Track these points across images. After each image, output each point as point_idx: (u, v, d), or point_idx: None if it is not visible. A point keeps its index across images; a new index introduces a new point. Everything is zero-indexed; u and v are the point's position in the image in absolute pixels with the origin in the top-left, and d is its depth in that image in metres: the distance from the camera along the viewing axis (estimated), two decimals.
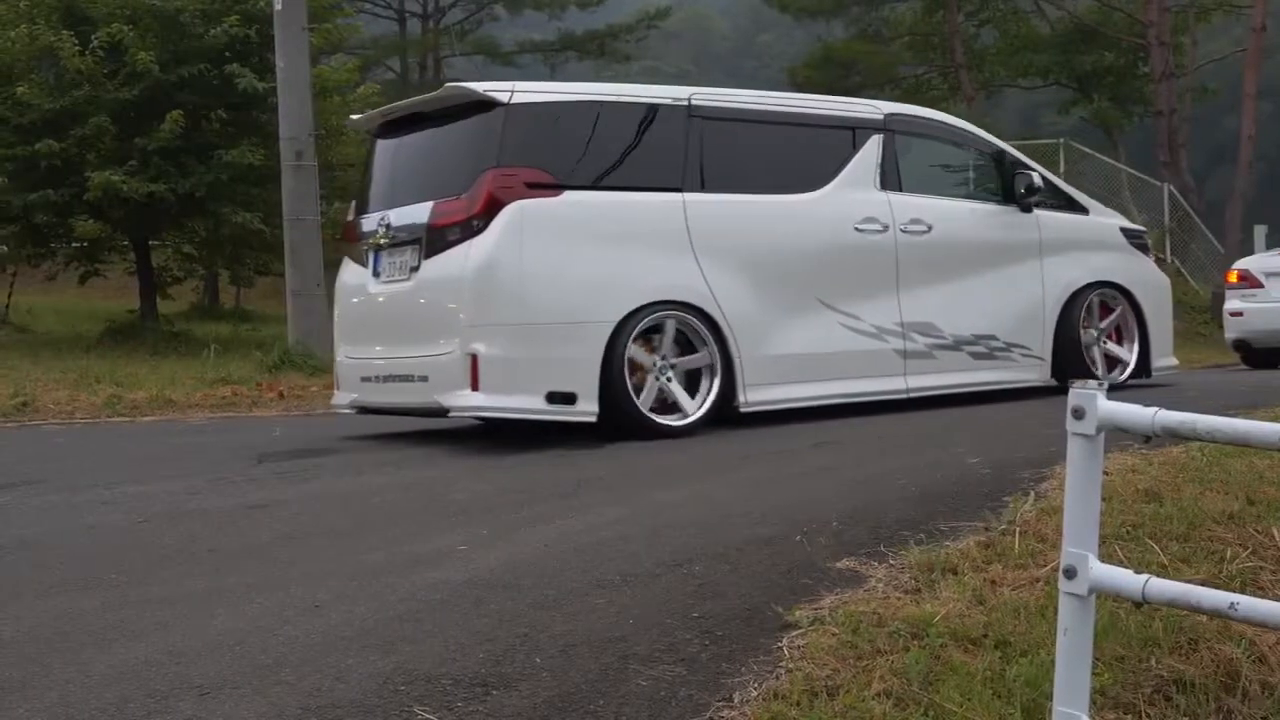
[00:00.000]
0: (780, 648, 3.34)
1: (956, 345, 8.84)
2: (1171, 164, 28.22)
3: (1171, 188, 27.84)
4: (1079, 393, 2.44)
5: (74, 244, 19.03)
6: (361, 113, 9.69)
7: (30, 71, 17.18)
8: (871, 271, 8.52)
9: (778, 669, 3.20)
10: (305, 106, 14.17)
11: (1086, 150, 29.04)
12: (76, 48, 16.70)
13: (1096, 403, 2.42)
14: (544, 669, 3.21)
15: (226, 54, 17.40)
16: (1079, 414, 2.44)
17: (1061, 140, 29.02)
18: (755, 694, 3.05)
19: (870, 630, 3.40)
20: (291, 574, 4.31)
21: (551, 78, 35.29)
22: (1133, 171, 28.84)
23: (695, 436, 7.54)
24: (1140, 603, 2.41)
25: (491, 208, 7.38)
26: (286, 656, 3.36)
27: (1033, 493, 4.99)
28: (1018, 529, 4.38)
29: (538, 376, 7.37)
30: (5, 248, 19.69)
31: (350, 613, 3.75)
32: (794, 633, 3.44)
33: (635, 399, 7.55)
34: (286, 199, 14.14)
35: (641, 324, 7.60)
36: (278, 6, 14.04)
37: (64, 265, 20.01)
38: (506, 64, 40.54)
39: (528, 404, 7.38)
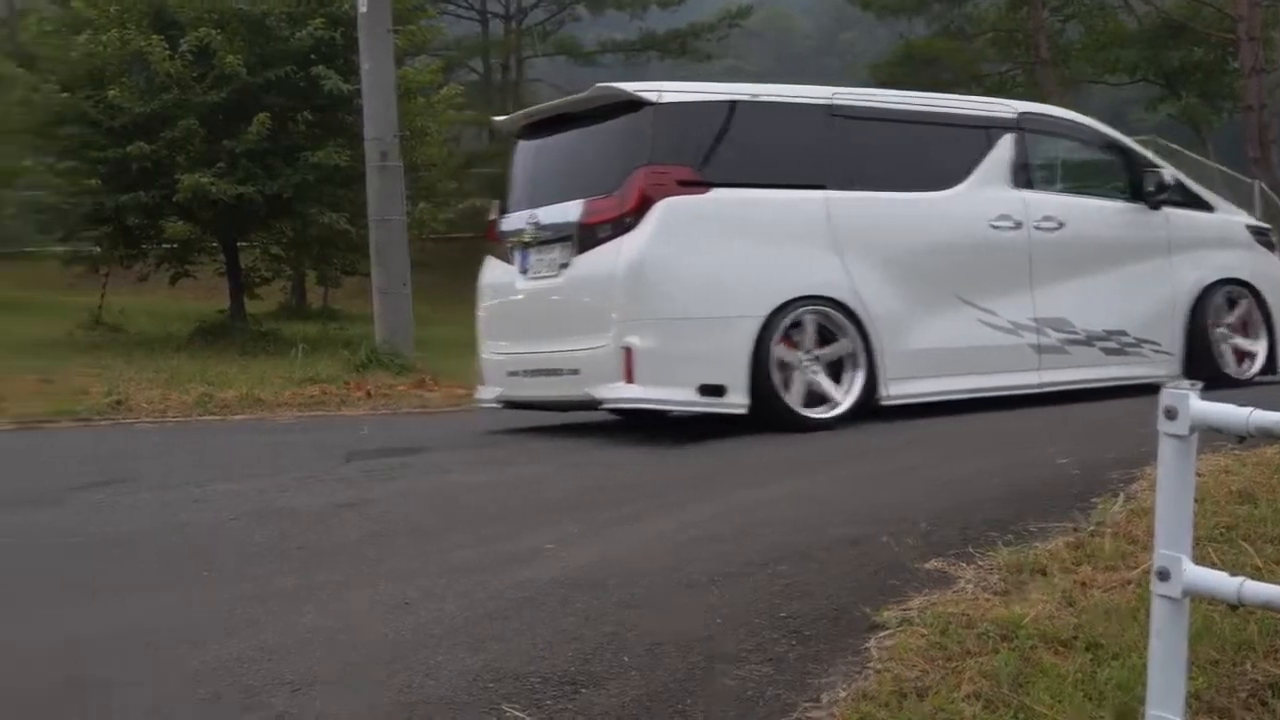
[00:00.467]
0: (868, 648, 3.32)
1: (1089, 341, 8.86)
2: (1262, 160, 27.80)
3: (1262, 184, 27.39)
4: (1171, 393, 2.40)
5: (164, 245, 19.36)
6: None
7: (121, 75, 17.50)
8: (1006, 268, 8.58)
9: (866, 670, 3.19)
10: (390, 108, 14.28)
11: (1175, 147, 28.58)
12: (166, 52, 16.98)
13: (1189, 403, 2.38)
14: (632, 668, 3.21)
15: (312, 56, 17.60)
16: (1171, 414, 2.40)
17: (1150, 137, 28.60)
18: (844, 694, 3.04)
19: (959, 631, 3.38)
20: (380, 571, 4.34)
21: (633, 78, 35.29)
22: (1223, 168, 28.39)
23: (789, 435, 7.50)
24: (1236, 605, 2.37)
25: (643, 205, 7.51)
26: (377, 653, 3.39)
27: (1122, 494, 4.93)
28: (1108, 530, 4.33)
29: (690, 369, 7.48)
30: (98, 249, 20.07)
31: (439, 610, 3.77)
32: (882, 633, 3.42)
33: (782, 392, 7.60)
34: (372, 199, 14.25)
35: (789, 318, 7.66)
36: (362, 9, 14.17)
37: (155, 266, 20.33)
38: (588, 64, 40.69)
39: (680, 396, 7.51)
